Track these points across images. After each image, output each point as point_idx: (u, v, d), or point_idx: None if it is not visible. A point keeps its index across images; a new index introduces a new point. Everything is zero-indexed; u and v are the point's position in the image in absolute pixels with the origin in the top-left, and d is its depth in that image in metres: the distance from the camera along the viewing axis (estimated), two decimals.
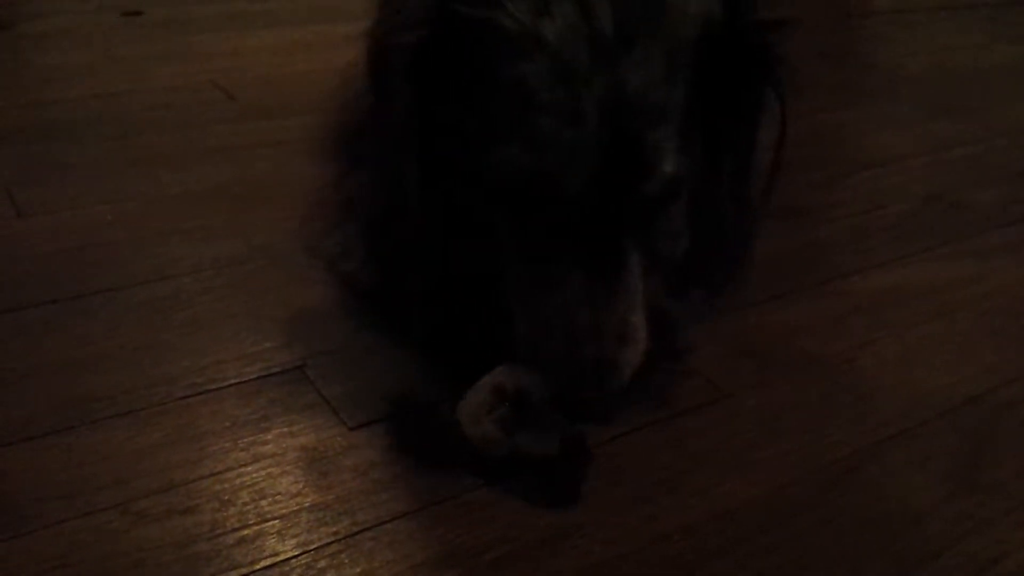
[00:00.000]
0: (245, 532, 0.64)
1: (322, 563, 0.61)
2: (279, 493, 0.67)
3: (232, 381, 0.79)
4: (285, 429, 0.74)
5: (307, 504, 0.67)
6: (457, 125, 0.66)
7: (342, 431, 0.73)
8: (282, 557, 0.62)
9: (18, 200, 1.10)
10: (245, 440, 0.72)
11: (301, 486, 0.68)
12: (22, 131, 1.31)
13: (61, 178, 1.17)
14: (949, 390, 0.80)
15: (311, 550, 0.62)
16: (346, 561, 0.61)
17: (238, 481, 0.69)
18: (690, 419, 0.77)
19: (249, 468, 0.70)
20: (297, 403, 0.76)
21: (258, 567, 0.61)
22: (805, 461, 0.72)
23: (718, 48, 0.66)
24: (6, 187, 1.13)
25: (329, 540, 0.63)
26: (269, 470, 0.70)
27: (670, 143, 0.63)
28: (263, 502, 0.67)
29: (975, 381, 0.82)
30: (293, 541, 0.63)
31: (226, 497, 0.67)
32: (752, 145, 0.74)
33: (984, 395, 0.80)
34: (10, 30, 1.68)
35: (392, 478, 0.69)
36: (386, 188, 0.72)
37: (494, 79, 0.63)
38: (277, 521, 0.65)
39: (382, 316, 0.82)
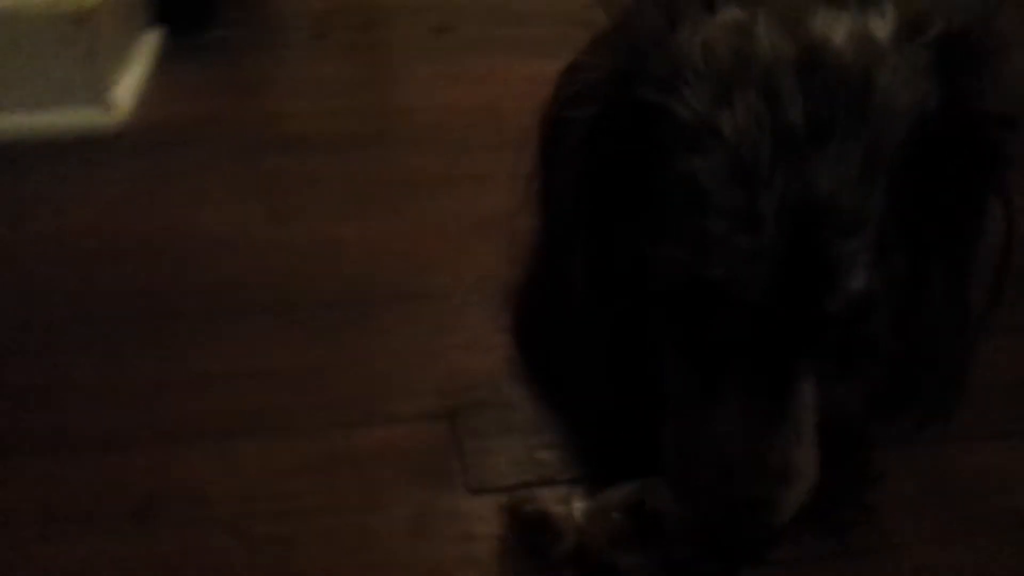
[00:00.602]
0: None
1: None
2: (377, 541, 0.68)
3: (382, 416, 0.80)
4: (410, 479, 0.73)
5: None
6: (625, 215, 0.61)
7: (464, 493, 0.72)
8: None
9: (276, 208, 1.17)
10: (368, 480, 0.73)
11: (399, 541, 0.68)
12: (303, 140, 1.37)
13: (313, 191, 1.21)
14: None
15: None
16: None
17: (337, 521, 0.70)
18: (847, 563, 0.67)
19: (354, 511, 0.71)
20: (432, 453, 0.76)
21: None
22: None
23: (933, 145, 0.57)
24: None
25: None
26: (375, 517, 0.70)
27: (862, 256, 0.55)
28: (362, 551, 0.67)
29: None
30: None
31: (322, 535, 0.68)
32: (971, 255, 0.63)
33: None
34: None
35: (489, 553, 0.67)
36: (547, 270, 0.68)
37: (665, 171, 0.57)
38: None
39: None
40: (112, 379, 0.84)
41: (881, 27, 0.56)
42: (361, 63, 1.68)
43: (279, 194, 1.18)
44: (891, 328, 0.60)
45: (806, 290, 0.54)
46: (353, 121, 1.41)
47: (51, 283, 0.99)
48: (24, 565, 0.66)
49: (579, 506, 0.66)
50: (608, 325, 0.65)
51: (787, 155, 0.53)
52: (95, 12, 1.31)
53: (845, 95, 0.54)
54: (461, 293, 0.96)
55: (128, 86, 1.42)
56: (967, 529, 0.70)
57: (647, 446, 0.64)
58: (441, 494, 0.72)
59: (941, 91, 0.56)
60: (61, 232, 1.09)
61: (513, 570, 0.66)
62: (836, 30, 0.55)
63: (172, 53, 1.59)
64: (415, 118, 1.44)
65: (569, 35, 0.63)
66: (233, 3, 1.75)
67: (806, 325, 0.56)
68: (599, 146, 0.60)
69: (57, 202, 1.16)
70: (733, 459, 0.57)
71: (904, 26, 0.56)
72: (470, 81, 1.55)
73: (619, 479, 0.66)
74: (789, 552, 0.67)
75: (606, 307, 0.64)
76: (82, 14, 1.29)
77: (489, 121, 1.35)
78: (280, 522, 0.70)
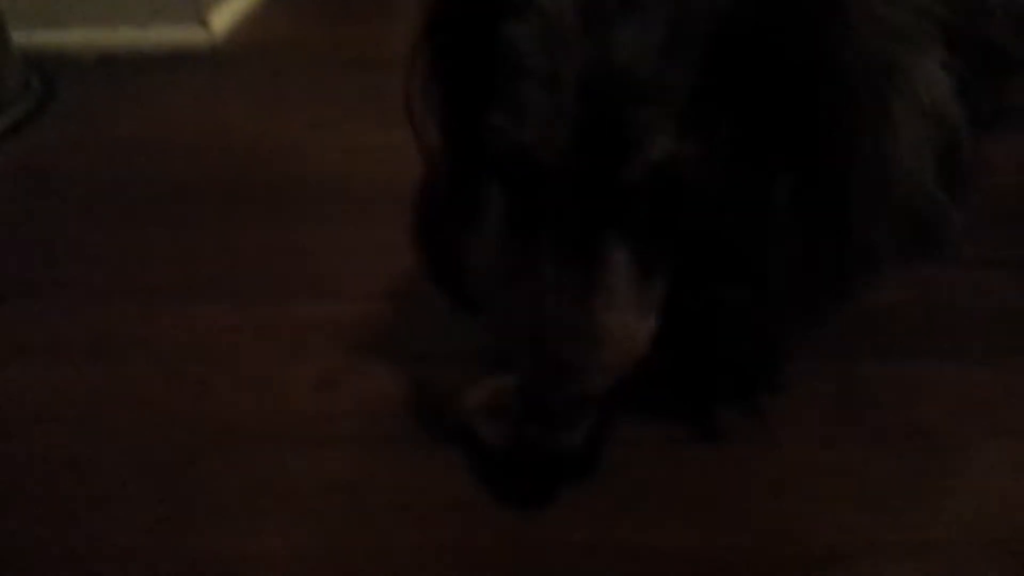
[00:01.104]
0: None
1: None
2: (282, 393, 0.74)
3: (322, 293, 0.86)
4: (327, 344, 0.80)
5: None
6: (473, 94, 0.65)
7: (375, 359, 0.78)
8: None
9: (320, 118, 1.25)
10: (291, 343, 0.80)
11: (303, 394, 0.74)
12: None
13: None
14: None
15: None
16: None
17: (256, 372, 0.77)
18: (725, 451, 0.68)
19: (275, 364, 0.77)
20: (355, 327, 0.82)
21: None
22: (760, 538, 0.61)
23: (754, 34, 0.57)
24: None
25: None
26: (287, 372, 0.76)
27: (661, 126, 0.56)
28: (268, 400, 0.74)
29: None
30: None
31: (239, 381, 0.75)
32: (828, 171, 0.62)
33: None
34: None
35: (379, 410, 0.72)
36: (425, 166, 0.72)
37: (495, 42, 0.60)
38: None
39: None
40: (134, 246, 0.95)
41: None
42: None
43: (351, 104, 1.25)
44: (722, 212, 0.61)
45: (603, 156, 0.56)
46: None
47: (128, 173, 1.11)
48: None
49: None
50: (471, 207, 0.68)
51: (593, 22, 0.55)
52: None
53: None
54: None
55: (230, 10, 1.53)
56: (854, 435, 0.69)
57: None
58: (351, 358, 0.78)
59: None
60: (144, 133, 1.21)
61: (398, 431, 0.70)
62: None
63: None
64: None
65: None
66: None
67: (607, 192, 0.57)
68: (446, 32, 0.63)
69: (145, 107, 1.28)
70: (544, 323, 0.59)
71: None
72: None
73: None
74: (665, 430, 0.69)
75: (468, 189, 0.67)
76: None
77: None
78: (210, 366, 0.77)
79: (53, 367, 0.77)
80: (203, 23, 1.46)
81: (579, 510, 0.63)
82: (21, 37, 1.36)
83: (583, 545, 0.61)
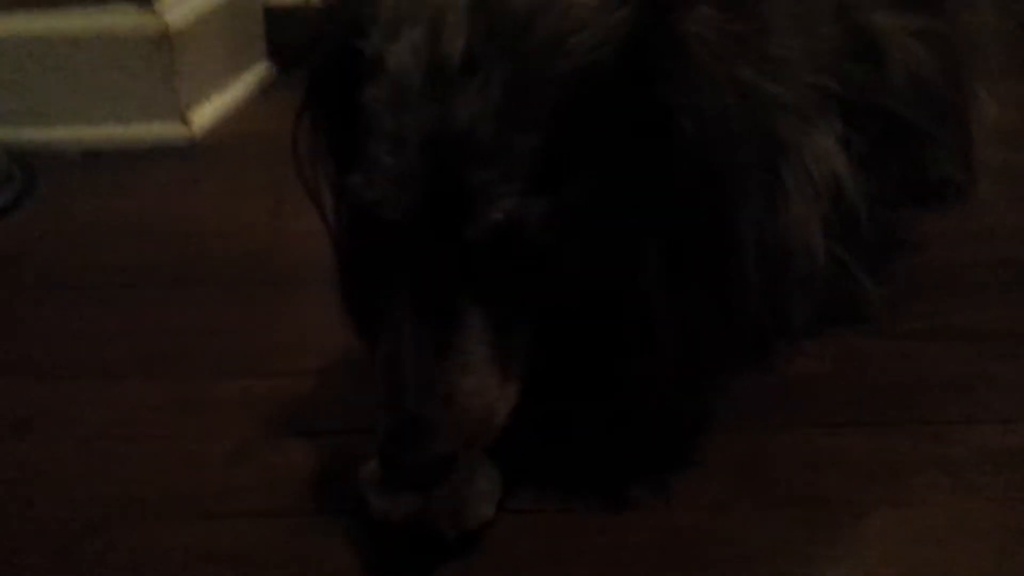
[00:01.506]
0: None
1: None
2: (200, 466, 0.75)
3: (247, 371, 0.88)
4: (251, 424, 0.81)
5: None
6: (340, 155, 0.68)
7: (291, 435, 0.79)
8: None
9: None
10: (214, 422, 0.81)
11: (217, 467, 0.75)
12: None
13: None
14: None
15: None
16: None
17: (173, 448, 0.78)
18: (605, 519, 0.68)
19: (190, 441, 0.78)
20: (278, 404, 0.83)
21: None
22: None
23: (608, 95, 0.59)
24: None
25: None
26: (205, 447, 0.78)
27: (501, 188, 0.58)
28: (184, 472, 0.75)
29: None
30: None
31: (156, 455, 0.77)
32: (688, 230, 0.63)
33: None
34: None
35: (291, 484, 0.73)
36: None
37: (357, 105, 0.63)
38: None
39: None
40: (82, 328, 0.98)
41: None
42: None
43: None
44: (585, 273, 0.62)
45: (445, 216, 0.58)
46: None
47: (93, 257, 1.15)
48: None
49: None
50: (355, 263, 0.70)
51: (436, 85, 0.57)
52: (179, 36, 1.49)
53: (503, 34, 0.57)
54: None
55: (214, 107, 1.59)
56: (749, 503, 0.69)
57: None
58: (267, 433, 0.79)
59: (623, 47, 0.59)
60: (116, 220, 1.25)
61: (300, 503, 0.71)
62: None
63: (276, 84, 1.76)
64: None
65: None
66: None
67: (451, 252, 0.59)
68: (323, 95, 0.66)
69: (121, 197, 1.34)
70: (401, 380, 0.60)
71: None
72: None
73: None
74: (560, 500, 0.69)
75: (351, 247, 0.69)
76: (162, 37, 1.47)
77: None
78: (129, 442, 0.79)
79: None
80: (184, 120, 1.52)
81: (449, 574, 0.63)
82: (7, 133, 1.43)
83: None
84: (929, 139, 0.92)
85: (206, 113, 1.56)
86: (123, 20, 1.49)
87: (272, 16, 1.79)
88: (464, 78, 0.57)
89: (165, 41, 1.48)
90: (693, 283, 0.64)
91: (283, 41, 1.80)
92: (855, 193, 0.80)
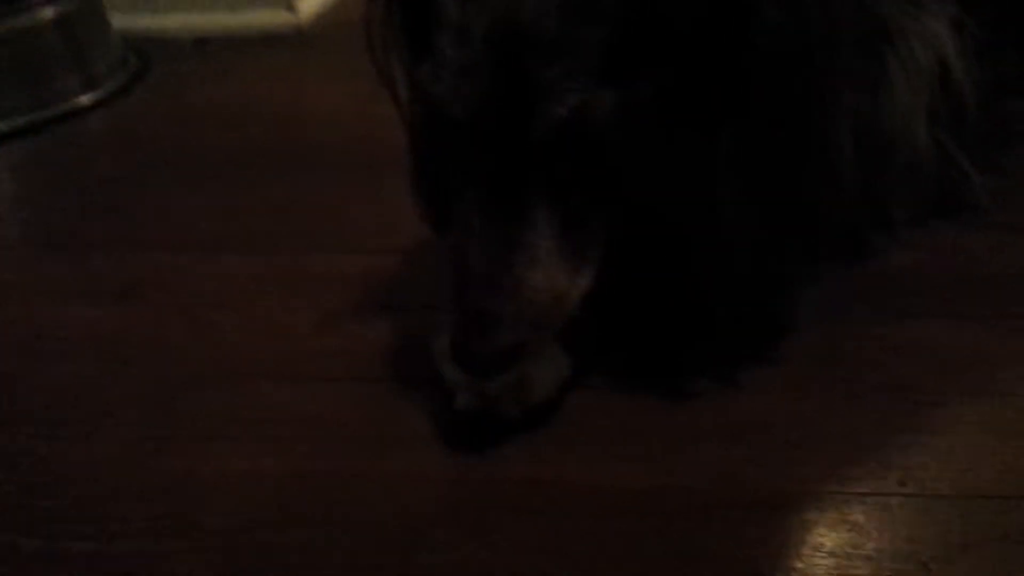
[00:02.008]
0: None
1: None
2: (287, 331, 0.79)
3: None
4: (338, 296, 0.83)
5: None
6: (415, 44, 0.67)
7: (370, 306, 0.81)
8: None
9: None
10: (303, 294, 0.84)
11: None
12: None
13: None
14: None
15: None
16: None
17: (263, 314, 0.81)
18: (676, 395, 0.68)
19: (281, 310, 0.82)
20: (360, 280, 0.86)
21: None
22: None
23: None
24: None
25: None
26: (293, 316, 0.81)
27: (566, 84, 0.56)
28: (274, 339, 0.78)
29: None
30: None
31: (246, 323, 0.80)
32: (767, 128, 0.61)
33: None
34: None
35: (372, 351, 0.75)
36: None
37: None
38: None
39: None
40: (187, 204, 1.02)
41: None
42: None
43: None
44: (656, 165, 0.61)
45: (510, 111, 0.57)
46: None
47: (201, 138, 1.19)
48: None
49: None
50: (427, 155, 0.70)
51: None
52: None
53: None
54: None
55: None
56: (827, 388, 0.67)
57: None
58: (352, 306, 0.81)
59: None
60: (224, 104, 1.29)
61: (378, 372, 0.73)
62: None
63: None
64: None
65: None
66: None
67: (517, 148, 0.58)
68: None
69: (230, 82, 1.37)
70: (468, 274, 0.60)
71: None
72: None
73: None
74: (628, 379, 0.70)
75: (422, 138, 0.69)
76: None
77: None
78: (223, 310, 0.82)
79: (87, 307, 0.84)
80: (290, 8, 1.53)
81: (525, 448, 0.65)
82: (124, 20, 1.47)
83: (525, 480, 0.62)
84: None
85: (311, 1, 1.57)
86: None
87: None
88: None
89: None
90: (769, 180, 0.63)
91: None
92: (965, 80, 0.75)
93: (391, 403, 0.70)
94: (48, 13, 1.29)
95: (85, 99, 1.31)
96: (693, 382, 0.69)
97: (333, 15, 1.59)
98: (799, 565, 0.55)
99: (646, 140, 0.60)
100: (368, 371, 0.73)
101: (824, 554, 0.56)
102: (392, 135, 1.11)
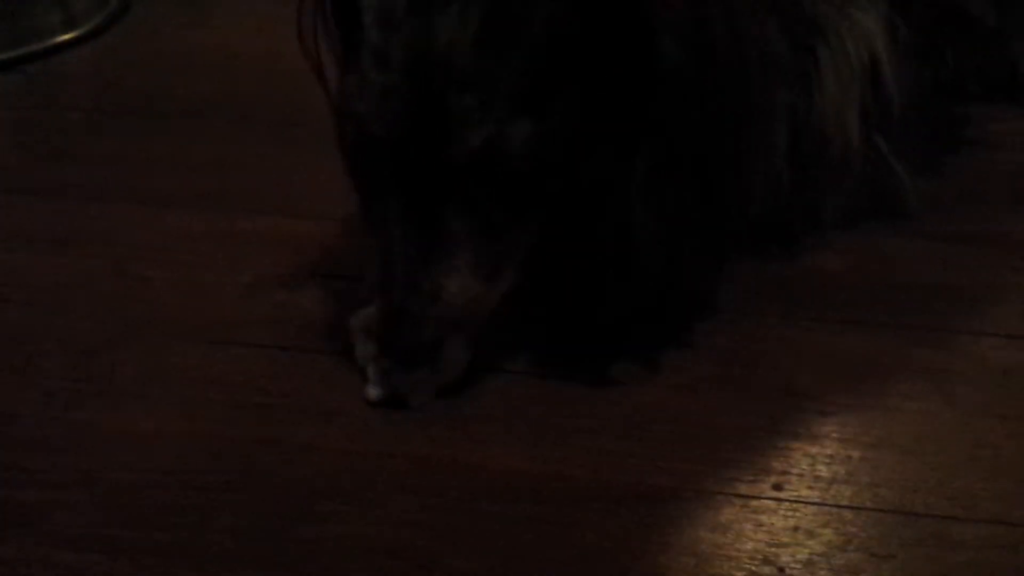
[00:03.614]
0: None
1: None
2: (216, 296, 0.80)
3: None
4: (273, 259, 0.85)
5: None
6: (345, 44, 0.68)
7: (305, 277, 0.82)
8: None
9: None
10: (238, 253, 0.86)
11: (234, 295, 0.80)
12: None
13: None
14: None
15: None
16: None
17: (200, 276, 0.83)
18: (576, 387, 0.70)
19: (219, 270, 0.83)
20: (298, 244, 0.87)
21: None
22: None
23: (592, 15, 0.58)
24: None
25: None
26: (229, 277, 0.82)
27: (485, 114, 0.58)
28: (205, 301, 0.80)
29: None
30: None
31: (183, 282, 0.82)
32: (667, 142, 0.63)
33: None
34: None
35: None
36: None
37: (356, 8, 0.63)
38: None
39: None
40: (144, 155, 1.02)
41: None
42: None
43: None
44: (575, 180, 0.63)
45: (427, 137, 0.59)
46: None
47: (169, 86, 1.17)
48: None
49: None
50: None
51: (419, 5, 0.57)
52: None
53: None
54: None
55: None
56: (723, 387, 0.69)
57: None
58: (287, 272, 0.83)
59: None
60: (201, 50, 1.28)
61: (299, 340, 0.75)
62: None
63: None
64: None
65: None
66: None
67: (434, 169, 0.60)
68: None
69: (209, 28, 1.36)
70: (392, 277, 0.64)
71: None
72: None
73: None
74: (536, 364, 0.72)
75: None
76: None
77: None
78: (157, 267, 0.84)
79: (26, 253, 0.86)
80: None
81: (422, 425, 0.67)
82: None
83: (416, 457, 0.64)
84: (997, 31, 0.85)
85: None
86: None
87: None
88: (445, 2, 0.57)
89: None
90: (683, 193, 0.64)
91: None
92: (894, 80, 0.76)
93: (308, 373, 0.72)
94: None
95: (63, 38, 1.31)
96: (610, 366, 0.71)
97: None
98: (660, 560, 0.58)
99: (560, 164, 0.62)
100: (291, 339, 0.75)
101: (687, 553, 0.58)
102: None
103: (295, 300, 0.80)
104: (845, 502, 0.61)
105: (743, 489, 0.62)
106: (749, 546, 0.58)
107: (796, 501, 0.61)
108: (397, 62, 0.58)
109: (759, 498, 0.61)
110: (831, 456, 0.64)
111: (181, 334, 0.76)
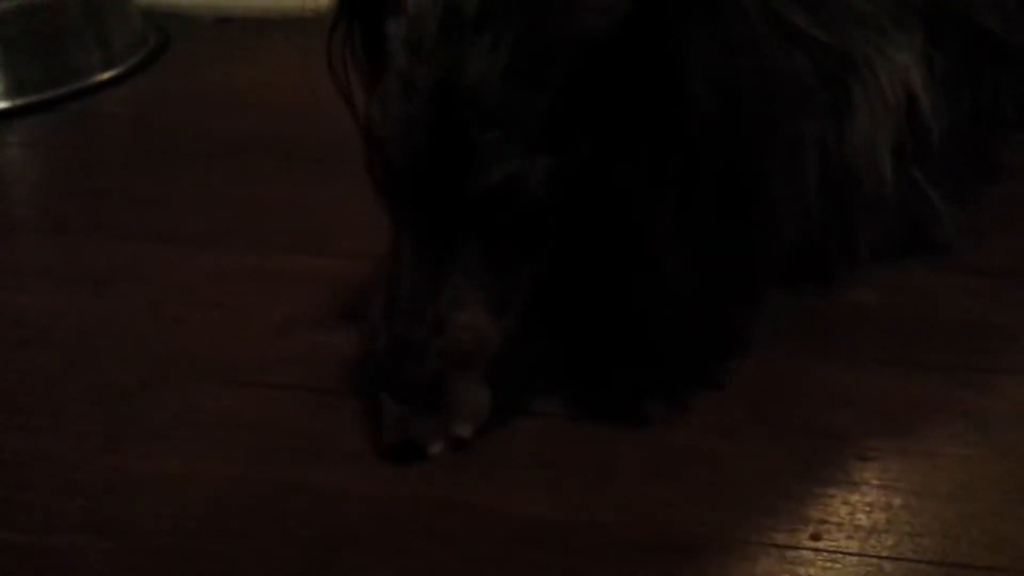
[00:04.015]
0: None
1: None
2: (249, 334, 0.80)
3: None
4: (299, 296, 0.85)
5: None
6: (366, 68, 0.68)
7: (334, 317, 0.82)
8: None
9: None
10: (268, 289, 0.86)
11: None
12: None
13: None
14: None
15: None
16: None
17: (229, 315, 0.83)
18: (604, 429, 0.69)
19: (247, 309, 0.84)
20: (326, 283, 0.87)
21: None
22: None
23: (623, 52, 0.58)
24: None
25: None
26: (257, 315, 0.82)
27: (502, 150, 0.58)
28: (234, 340, 0.80)
29: None
30: None
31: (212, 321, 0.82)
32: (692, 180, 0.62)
33: None
34: None
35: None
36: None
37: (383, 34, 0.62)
38: None
39: None
40: (179, 194, 1.04)
41: None
42: None
43: None
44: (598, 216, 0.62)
45: (447, 168, 0.59)
46: None
47: (207, 124, 1.20)
48: None
49: None
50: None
51: (449, 36, 0.57)
52: None
53: None
54: None
55: None
56: (757, 429, 0.68)
57: None
58: (317, 311, 0.83)
59: (640, 5, 0.57)
60: (240, 89, 1.31)
61: (328, 382, 0.75)
62: None
63: None
64: None
65: None
66: None
67: (451, 201, 0.59)
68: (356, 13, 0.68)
69: (249, 65, 1.39)
70: (398, 304, 0.63)
71: None
72: None
73: None
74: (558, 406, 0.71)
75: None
76: None
77: None
78: (190, 306, 0.84)
79: (64, 294, 0.87)
80: None
81: (447, 469, 0.66)
82: None
83: (441, 503, 0.64)
84: None
85: None
86: None
87: None
88: (476, 34, 0.56)
89: None
90: (709, 222, 0.63)
91: None
92: (930, 112, 0.74)
93: (337, 416, 0.71)
94: None
95: (102, 77, 1.34)
96: (639, 406, 0.69)
97: None
98: None
99: (579, 199, 0.61)
100: (323, 381, 0.75)
101: None
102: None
103: (328, 340, 0.79)
104: (886, 553, 0.59)
105: (780, 539, 0.60)
106: None
107: (835, 552, 0.59)
108: (423, 91, 0.58)
109: (796, 548, 0.59)
110: (871, 504, 0.62)
111: (213, 375, 0.76)
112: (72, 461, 0.69)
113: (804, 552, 0.59)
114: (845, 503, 0.62)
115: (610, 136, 0.59)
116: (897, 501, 0.62)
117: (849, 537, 0.60)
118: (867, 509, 0.62)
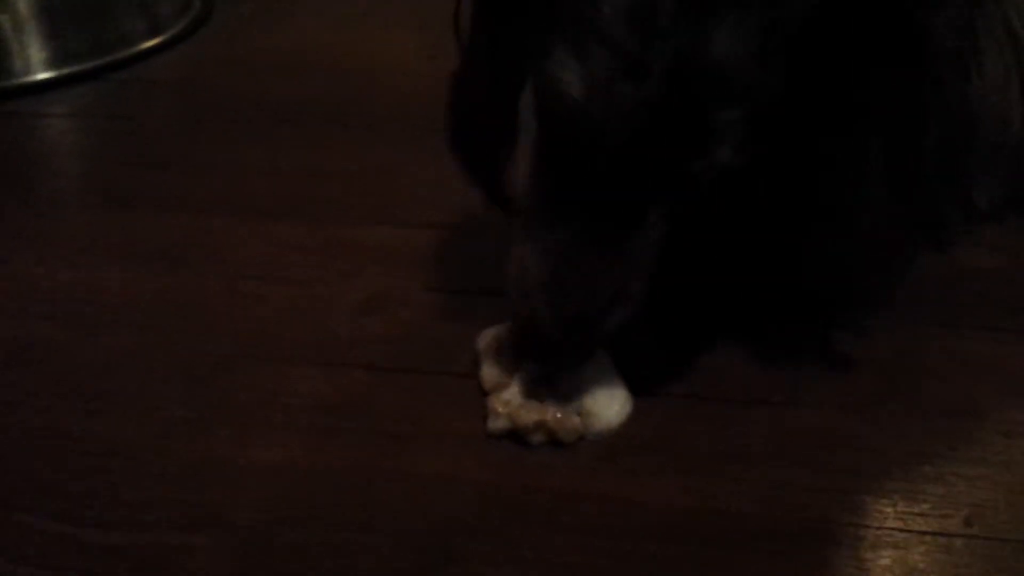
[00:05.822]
0: None
1: None
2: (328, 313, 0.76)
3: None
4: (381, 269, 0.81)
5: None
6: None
7: (418, 288, 0.78)
8: None
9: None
10: (348, 266, 0.82)
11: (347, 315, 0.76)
12: None
13: None
14: None
15: None
16: None
17: (306, 292, 0.79)
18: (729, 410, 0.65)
19: (326, 284, 0.80)
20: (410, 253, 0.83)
21: None
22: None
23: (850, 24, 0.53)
24: None
25: None
26: (336, 291, 0.79)
27: (737, 129, 0.53)
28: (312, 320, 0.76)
29: None
30: None
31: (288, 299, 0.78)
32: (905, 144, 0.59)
33: None
34: None
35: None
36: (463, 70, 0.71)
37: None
38: None
39: None
40: (241, 163, 0.99)
41: None
42: None
43: None
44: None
45: (674, 146, 0.54)
46: None
47: (258, 91, 1.15)
48: None
49: None
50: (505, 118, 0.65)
51: (689, 11, 0.51)
52: None
53: None
54: None
55: None
56: (892, 406, 0.64)
57: None
58: (398, 287, 0.78)
59: None
60: (285, 54, 1.25)
61: (419, 361, 0.71)
62: None
63: None
64: None
65: None
66: None
67: (663, 174, 0.55)
68: None
69: (292, 29, 1.33)
70: (570, 279, 0.58)
71: None
72: None
73: None
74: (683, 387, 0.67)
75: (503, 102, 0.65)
76: None
77: None
78: (268, 282, 0.80)
79: (132, 271, 0.83)
80: None
81: (564, 455, 0.62)
82: None
83: (560, 492, 0.60)
84: None
85: None
86: None
87: None
88: (725, 9, 0.51)
89: None
90: (901, 176, 0.60)
91: None
92: None
93: (436, 397, 0.68)
94: None
95: (148, 44, 1.29)
96: (755, 385, 0.66)
97: None
98: None
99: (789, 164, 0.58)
100: (413, 360, 0.71)
101: None
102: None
103: (413, 317, 0.75)
104: None
105: (931, 525, 0.56)
106: None
107: (991, 538, 0.55)
108: (658, 70, 0.52)
109: (950, 535, 0.55)
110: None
111: (299, 355, 0.72)
112: (160, 450, 0.65)
113: (957, 539, 0.55)
114: (996, 484, 0.58)
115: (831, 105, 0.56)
116: None
117: (1005, 522, 0.55)
118: (1021, 490, 0.57)
